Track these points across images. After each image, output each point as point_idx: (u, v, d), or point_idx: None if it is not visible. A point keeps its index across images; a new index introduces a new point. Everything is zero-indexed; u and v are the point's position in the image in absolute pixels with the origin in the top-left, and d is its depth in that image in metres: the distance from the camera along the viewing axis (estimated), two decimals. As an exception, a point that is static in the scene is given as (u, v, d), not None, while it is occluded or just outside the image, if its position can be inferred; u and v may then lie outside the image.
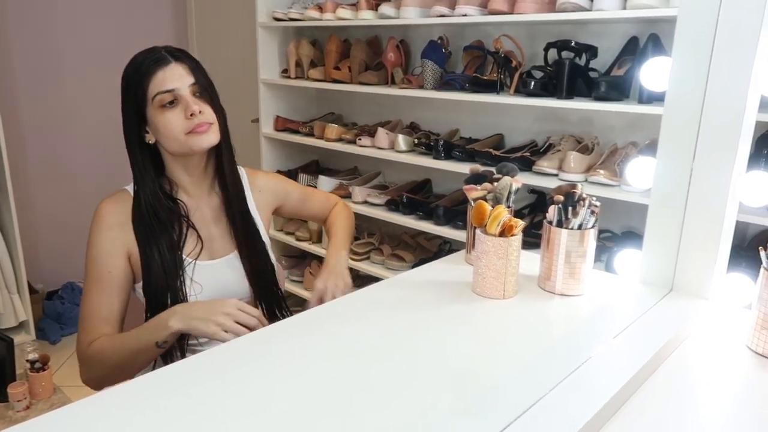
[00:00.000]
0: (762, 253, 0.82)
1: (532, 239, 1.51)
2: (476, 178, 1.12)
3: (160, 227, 1.09)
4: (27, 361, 2.32)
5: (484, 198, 1.03)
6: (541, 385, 0.70)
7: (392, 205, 2.27)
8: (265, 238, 1.25)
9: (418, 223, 2.16)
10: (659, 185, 0.99)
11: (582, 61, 1.81)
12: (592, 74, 1.81)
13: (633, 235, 1.82)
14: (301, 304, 2.63)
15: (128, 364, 1.04)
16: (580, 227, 0.97)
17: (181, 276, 1.10)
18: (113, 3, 3.15)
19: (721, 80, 0.88)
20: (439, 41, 2.15)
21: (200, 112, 1.06)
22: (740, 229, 1.59)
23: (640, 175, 1.06)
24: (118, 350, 1.03)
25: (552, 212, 1.00)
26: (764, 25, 0.84)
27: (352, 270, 2.64)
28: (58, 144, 3.08)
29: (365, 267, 2.35)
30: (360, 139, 2.34)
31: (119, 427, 0.65)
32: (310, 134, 2.58)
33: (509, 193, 1.04)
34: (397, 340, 0.86)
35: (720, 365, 0.83)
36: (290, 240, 2.64)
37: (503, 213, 0.96)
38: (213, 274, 1.15)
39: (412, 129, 2.41)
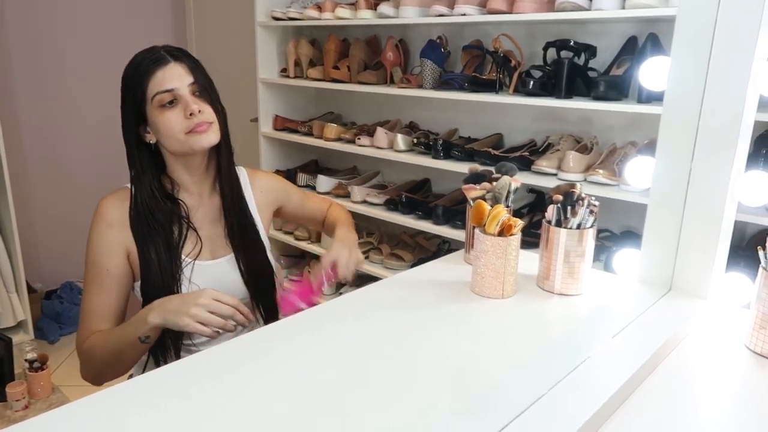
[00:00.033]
0: (760, 253, 0.82)
1: (531, 239, 1.51)
2: (475, 178, 1.12)
3: (157, 227, 1.09)
4: (25, 360, 2.31)
5: (483, 197, 1.03)
6: (540, 385, 0.70)
7: (391, 205, 2.27)
8: (264, 238, 1.24)
9: (417, 223, 2.16)
10: (658, 185, 0.99)
11: (581, 61, 1.81)
12: (591, 74, 1.81)
13: (632, 235, 1.82)
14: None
15: (117, 359, 1.04)
16: (578, 227, 0.98)
17: (179, 276, 1.10)
18: (112, 2, 3.14)
19: (720, 80, 0.88)
20: (438, 41, 2.15)
21: (200, 111, 1.06)
22: (739, 228, 1.60)
23: (638, 175, 1.07)
24: (107, 346, 1.03)
25: (551, 212, 1.00)
26: (763, 25, 0.84)
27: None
28: (57, 143, 3.08)
29: (364, 266, 2.35)
30: (359, 139, 2.34)
31: (118, 426, 0.65)
32: (309, 134, 2.58)
33: (508, 192, 1.04)
34: (395, 340, 0.86)
35: (718, 365, 0.83)
36: (289, 239, 2.64)
37: (502, 212, 0.96)
38: (212, 275, 1.15)
39: (411, 128, 2.41)
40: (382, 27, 2.47)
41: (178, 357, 1.11)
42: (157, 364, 1.11)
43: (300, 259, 2.81)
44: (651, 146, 1.41)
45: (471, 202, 1.04)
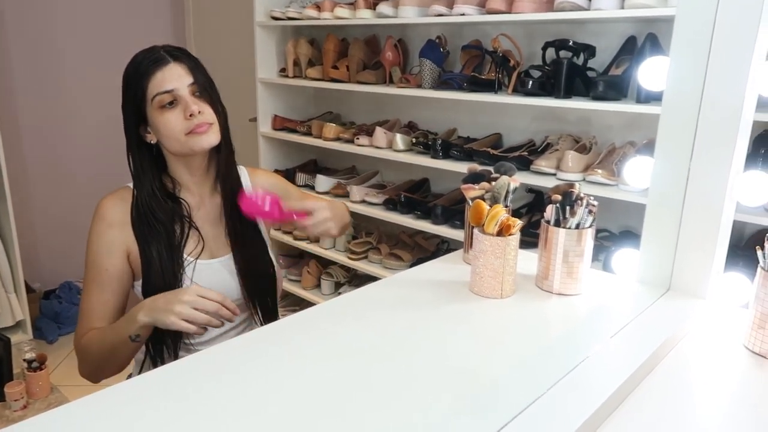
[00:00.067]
0: (759, 253, 0.82)
1: (530, 239, 1.51)
2: (474, 178, 1.12)
3: (158, 227, 1.09)
4: (24, 360, 2.31)
5: (482, 197, 1.03)
6: (539, 385, 0.70)
7: (390, 205, 2.27)
8: (266, 237, 1.24)
9: (416, 223, 2.16)
10: (657, 185, 0.99)
11: (580, 61, 1.82)
12: (590, 74, 1.81)
13: (631, 235, 1.82)
14: (299, 304, 2.64)
15: (111, 356, 1.05)
16: (577, 227, 0.98)
17: (180, 276, 1.10)
18: (112, 2, 3.14)
19: (719, 80, 0.88)
20: (437, 40, 2.15)
21: (200, 112, 1.06)
22: (737, 228, 1.60)
23: (637, 175, 1.07)
24: (101, 344, 1.04)
25: (550, 212, 1.00)
26: (761, 25, 0.84)
27: (349, 270, 2.64)
28: (56, 143, 3.08)
29: (363, 266, 2.35)
30: (358, 139, 2.34)
31: (116, 426, 0.65)
32: (308, 133, 2.58)
33: (507, 192, 1.04)
34: (395, 340, 0.86)
35: (717, 364, 0.83)
36: (288, 239, 2.64)
37: (501, 212, 0.96)
38: (214, 274, 1.15)
39: (410, 128, 2.41)
40: (381, 27, 2.47)
41: (176, 357, 1.11)
42: (156, 364, 1.11)
43: (299, 259, 2.81)
44: (650, 146, 1.42)
45: (470, 201, 1.04)
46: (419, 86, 2.14)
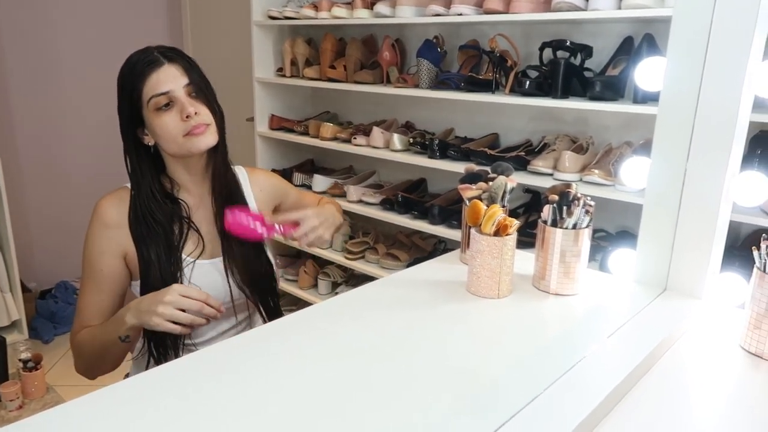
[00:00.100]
0: (755, 253, 0.83)
1: (527, 239, 1.52)
2: (471, 178, 1.12)
3: (157, 228, 1.09)
4: (20, 360, 2.31)
5: (479, 197, 1.03)
6: (536, 384, 0.70)
7: (387, 205, 2.27)
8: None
9: (413, 223, 2.16)
10: (653, 185, 0.99)
11: (577, 61, 1.82)
12: (587, 74, 1.81)
13: (627, 235, 1.82)
14: (296, 303, 2.63)
15: (102, 355, 1.07)
16: (574, 227, 0.98)
17: (179, 276, 1.10)
18: (108, 1, 3.13)
19: (716, 80, 0.88)
20: (434, 40, 2.15)
21: (196, 113, 1.05)
22: (733, 228, 1.60)
23: (634, 175, 1.07)
24: (93, 343, 1.06)
25: (547, 212, 1.00)
26: (758, 26, 0.84)
27: (346, 269, 2.64)
28: (52, 143, 3.07)
29: (360, 266, 2.35)
30: (355, 138, 2.34)
31: (113, 426, 0.64)
32: (305, 133, 2.57)
33: (504, 192, 1.04)
34: (392, 340, 0.86)
35: (713, 365, 0.83)
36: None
37: (498, 212, 0.96)
38: (213, 273, 1.14)
39: (407, 128, 2.41)
40: (378, 26, 2.47)
41: (177, 357, 1.10)
42: (158, 364, 1.11)
43: (296, 259, 2.80)
44: (646, 146, 1.42)
45: (467, 201, 1.04)
46: (416, 86, 2.14)
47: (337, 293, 2.49)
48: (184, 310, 0.97)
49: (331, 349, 0.82)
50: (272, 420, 0.66)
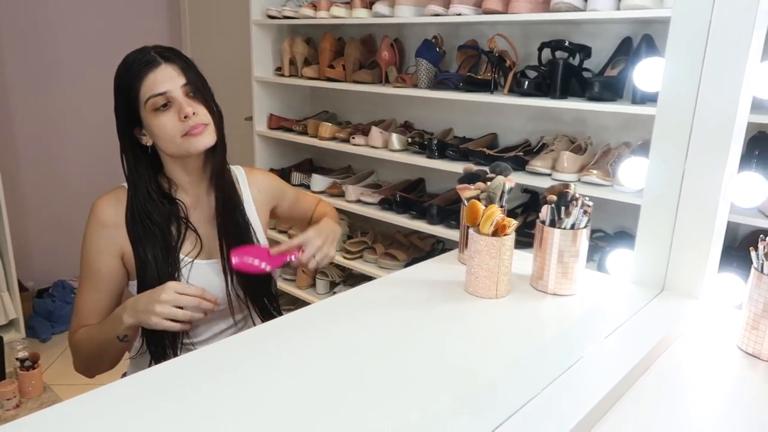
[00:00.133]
0: (752, 254, 0.83)
1: (525, 239, 1.52)
2: (469, 178, 1.12)
3: (154, 229, 1.08)
4: (17, 359, 2.30)
5: (477, 197, 1.03)
6: (534, 385, 0.71)
7: (385, 204, 2.27)
8: (261, 237, 1.24)
9: (412, 222, 2.16)
10: (652, 185, 0.99)
11: (576, 61, 1.82)
12: (585, 74, 1.82)
13: (625, 235, 1.82)
14: (294, 303, 2.63)
15: (100, 354, 1.07)
16: (572, 227, 0.98)
17: (177, 277, 1.09)
18: (107, 1, 3.13)
19: (714, 81, 0.89)
20: (433, 40, 2.15)
21: (194, 113, 1.05)
22: (731, 229, 1.60)
23: (632, 176, 1.07)
24: (90, 342, 1.06)
25: (545, 212, 1.00)
26: (757, 27, 0.84)
27: (344, 269, 2.64)
28: (50, 142, 3.06)
29: (358, 266, 2.35)
30: (354, 138, 2.34)
31: (110, 425, 0.64)
32: (304, 133, 2.57)
33: (502, 192, 1.04)
34: (390, 339, 0.86)
35: (711, 365, 0.83)
36: (283, 238, 2.64)
37: (496, 212, 0.96)
38: (211, 274, 1.14)
39: (405, 128, 2.41)
40: (377, 26, 2.47)
41: (176, 356, 1.10)
42: (156, 363, 1.10)
43: (294, 258, 2.80)
44: (645, 147, 1.42)
45: (465, 201, 1.04)
46: (415, 86, 2.14)
47: (335, 293, 2.49)
48: (181, 307, 0.97)
49: (329, 348, 0.82)
50: (270, 419, 0.66)
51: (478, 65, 2.11)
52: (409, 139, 2.20)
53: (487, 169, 1.14)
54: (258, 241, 1.21)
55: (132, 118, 1.06)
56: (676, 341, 0.89)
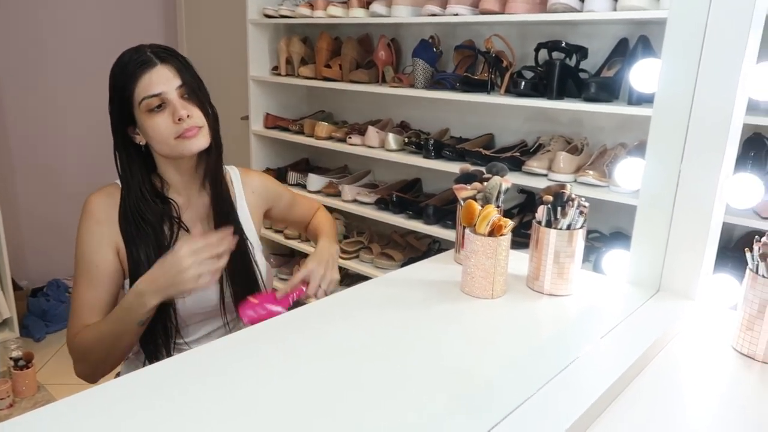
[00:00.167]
0: (748, 255, 0.83)
1: (521, 239, 1.51)
2: (466, 178, 1.12)
3: (147, 228, 1.07)
4: (10, 358, 2.29)
5: (473, 197, 1.03)
6: (530, 385, 0.71)
7: (382, 204, 2.27)
8: (255, 239, 1.23)
9: (408, 222, 2.16)
10: (648, 186, 0.99)
11: (572, 62, 1.82)
12: (582, 75, 1.82)
13: (621, 236, 1.83)
14: (290, 303, 2.63)
15: (111, 348, 1.03)
16: (568, 227, 0.98)
17: None
18: (102, -2, 3.12)
19: (710, 82, 0.89)
20: (430, 40, 2.15)
21: (188, 116, 1.04)
22: (727, 230, 1.61)
23: (628, 176, 1.07)
24: (99, 337, 1.02)
25: (541, 212, 1.00)
26: (752, 29, 0.85)
27: (341, 269, 2.64)
28: (44, 141, 3.05)
29: (354, 265, 2.35)
30: (350, 138, 2.34)
31: (104, 425, 0.64)
32: (300, 132, 2.57)
33: (499, 192, 1.04)
34: (385, 339, 0.85)
35: (706, 366, 0.84)
36: (279, 238, 2.63)
37: (492, 213, 0.96)
38: None
39: (402, 128, 2.41)
40: (374, 26, 2.47)
41: (170, 355, 1.10)
42: (149, 363, 1.10)
43: (290, 258, 2.80)
44: (641, 148, 1.42)
45: (462, 202, 1.04)
46: (412, 86, 2.14)
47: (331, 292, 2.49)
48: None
49: (324, 348, 0.82)
50: (266, 419, 0.66)
51: (474, 65, 2.11)
52: (406, 139, 2.20)
53: (483, 169, 1.14)
54: (251, 243, 1.20)
55: (126, 117, 1.06)
56: (672, 342, 0.89)
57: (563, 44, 1.80)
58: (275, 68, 2.66)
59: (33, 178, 3.04)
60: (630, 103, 1.65)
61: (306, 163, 2.84)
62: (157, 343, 1.08)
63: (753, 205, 1.08)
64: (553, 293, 1.00)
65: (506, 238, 0.97)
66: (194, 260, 0.96)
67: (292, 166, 2.74)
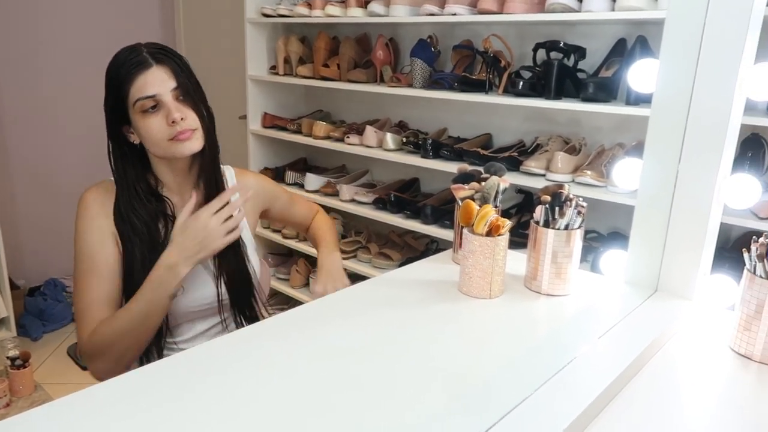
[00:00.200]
0: (745, 255, 0.83)
1: (519, 239, 1.52)
2: (464, 178, 1.12)
3: (141, 227, 1.07)
4: (7, 358, 2.29)
5: (471, 197, 1.03)
6: (527, 385, 0.71)
7: (380, 204, 2.27)
8: (248, 239, 1.23)
9: (406, 222, 2.16)
10: (645, 186, 0.99)
11: (570, 62, 1.82)
12: (580, 75, 1.82)
13: (619, 236, 1.83)
14: (287, 302, 2.63)
15: (142, 329, 1.02)
16: (566, 227, 0.98)
17: None
18: (100, -4, 3.11)
19: (708, 83, 0.89)
20: (428, 40, 2.15)
21: (182, 118, 1.03)
22: (724, 230, 1.61)
23: (626, 177, 1.07)
24: (128, 322, 1.01)
25: (539, 212, 1.00)
26: (750, 29, 0.85)
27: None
28: (40, 140, 3.04)
29: (352, 265, 2.35)
30: (348, 137, 2.34)
31: (101, 424, 0.64)
32: (298, 131, 2.57)
33: (497, 192, 1.04)
34: (383, 339, 0.85)
35: (703, 366, 0.84)
36: (277, 238, 2.63)
37: (490, 212, 0.96)
38: (196, 273, 1.13)
39: (400, 127, 2.41)
40: (372, 25, 2.47)
41: (161, 356, 1.09)
42: (141, 364, 1.09)
43: (287, 258, 2.80)
44: (639, 148, 1.42)
45: (459, 201, 1.04)
46: (410, 85, 2.14)
47: (328, 292, 2.48)
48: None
49: (322, 348, 0.82)
50: (264, 419, 0.66)
51: (473, 65, 2.11)
52: (404, 139, 2.20)
53: (481, 169, 1.14)
54: (244, 241, 1.20)
55: (120, 116, 1.05)
56: (669, 342, 0.89)
57: (561, 44, 1.80)
58: (273, 67, 2.66)
59: (30, 177, 3.03)
60: (628, 103, 1.65)
61: (304, 163, 2.84)
62: (150, 344, 1.07)
63: (750, 206, 1.08)
64: (550, 293, 1.00)
65: (504, 238, 0.97)
66: (216, 219, 1.04)
67: (290, 166, 2.74)
